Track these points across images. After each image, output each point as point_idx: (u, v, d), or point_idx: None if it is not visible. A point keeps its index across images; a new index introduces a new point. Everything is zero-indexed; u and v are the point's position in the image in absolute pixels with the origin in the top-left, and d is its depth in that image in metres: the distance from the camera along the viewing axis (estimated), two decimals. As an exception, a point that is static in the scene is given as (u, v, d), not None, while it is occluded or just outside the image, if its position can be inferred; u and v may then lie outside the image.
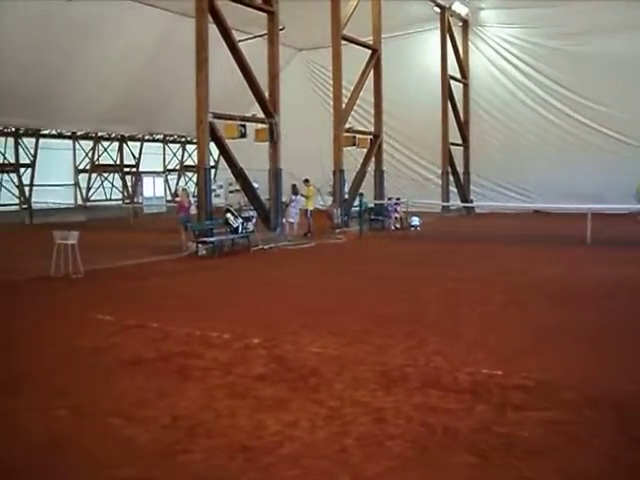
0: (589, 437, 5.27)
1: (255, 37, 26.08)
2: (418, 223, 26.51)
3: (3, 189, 33.52)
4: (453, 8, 34.49)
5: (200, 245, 18.65)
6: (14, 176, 33.91)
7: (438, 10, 33.94)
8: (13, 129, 33.13)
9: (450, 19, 34.86)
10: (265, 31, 23.63)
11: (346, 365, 7.32)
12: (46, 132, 34.98)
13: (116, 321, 9.72)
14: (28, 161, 34.11)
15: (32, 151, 34.14)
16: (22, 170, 34.01)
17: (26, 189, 34.14)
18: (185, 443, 5.26)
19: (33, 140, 34.22)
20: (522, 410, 5.87)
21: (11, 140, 33.54)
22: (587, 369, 7.14)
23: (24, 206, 33.98)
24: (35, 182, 34.20)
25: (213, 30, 20.15)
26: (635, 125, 31.77)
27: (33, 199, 33.92)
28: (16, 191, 34.05)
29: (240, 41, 22.03)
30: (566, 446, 5.12)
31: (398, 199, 28.15)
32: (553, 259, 16.94)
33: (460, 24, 36.60)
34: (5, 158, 33.27)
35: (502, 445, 5.13)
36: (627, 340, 8.45)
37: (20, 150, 33.84)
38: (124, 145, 39.95)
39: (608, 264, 15.88)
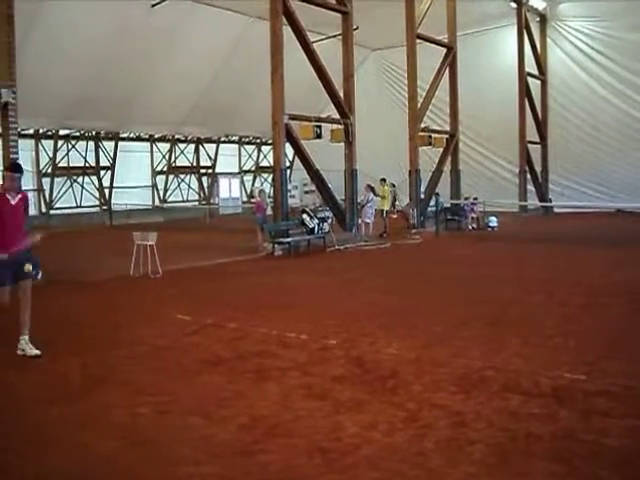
0: (679, 446, 5.08)
1: (329, 37, 26.20)
2: (496, 224, 26.15)
3: (85, 191, 34.47)
4: (530, 3, 33.79)
5: (276, 245, 18.79)
6: (95, 179, 34.86)
7: (514, 5, 33.28)
8: (94, 133, 34.06)
9: (527, 14, 34.16)
10: (339, 31, 23.67)
11: (424, 367, 7.25)
12: (125, 135, 35.82)
13: (194, 321, 9.86)
14: (108, 164, 35.02)
15: (112, 154, 35.03)
16: (102, 173, 34.94)
17: (106, 191, 35.05)
18: (264, 443, 5.29)
19: (112, 143, 35.10)
20: (608, 417, 5.69)
21: (92, 144, 34.50)
22: (676, 375, 6.89)
23: (104, 208, 34.87)
24: (115, 184, 35.10)
25: (287, 32, 20.28)
26: None
27: (113, 201, 34.79)
28: (97, 193, 34.99)
29: (314, 42, 22.12)
30: (655, 455, 4.94)
31: (475, 199, 27.82)
32: (635, 261, 16.41)
33: (537, 19, 35.82)
34: (86, 161, 34.22)
35: (587, 453, 4.97)
36: None
37: (100, 153, 34.77)
38: (200, 147, 40.57)
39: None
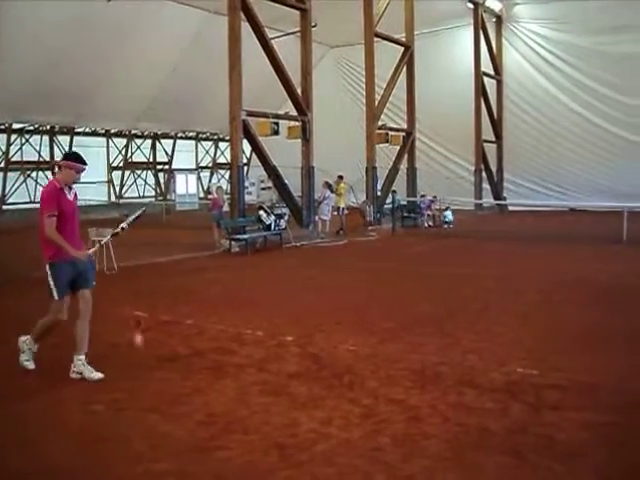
0: (626, 439, 5.20)
1: (287, 34, 26.15)
2: (452, 218, 26.44)
3: (39, 187, 33.93)
4: (487, 4, 34.19)
5: (233, 242, 18.74)
6: (49, 174, 34.31)
7: (471, 6, 33.63)
8: (48, 127, 33.58)
9: (484, 15, 34.56)
10: (297, 28, 23.67)
11: (380, 363, 7.30)
12: (80, 130, 35.37)
13: (151, 317, 9.79)
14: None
15: (67, 149, 34.51)
16: (56, 168, 34.39)
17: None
18: (220, 439, 5.29)
19: (68, 138, 34.62)
20: (558, 410, 5.81)
21: (47, 138, 34.00)
22: (624, 370, 7.03)
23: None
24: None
25: (246, 28, 20.21)
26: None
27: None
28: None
29: (272, 38, 22.08)
30: (604, 449, 5.04)
31: (434, 197, 28.08)
32: (588, 258, 16.73)
33: (494, 20, 36.27)
34: (40, 156, 33.70)
35: (538, 446, 5.08)
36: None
37: (55, 148, 34.25)
38: (157, 142, 40.25)
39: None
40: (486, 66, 35.12)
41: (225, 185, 35.06)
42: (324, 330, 8.90)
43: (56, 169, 7.30)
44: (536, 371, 6.92)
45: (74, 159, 7.24)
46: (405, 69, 29.19)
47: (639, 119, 32.41)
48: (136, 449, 5.16)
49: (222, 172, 43.86)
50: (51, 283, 6.84)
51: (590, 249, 18.56)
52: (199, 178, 43.66)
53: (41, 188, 7.38)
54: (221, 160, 43.86)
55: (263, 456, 4.98)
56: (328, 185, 23.22)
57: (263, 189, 37.90)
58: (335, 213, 23.82)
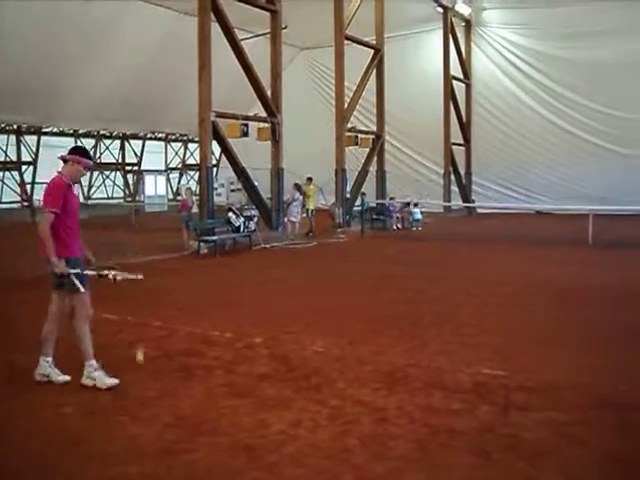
0: (592, 438, 5.27)
1: (257, 36, 26.16)
2: (420, 217, 26.62)
3: (5, 187, 33.54)
4: (456, 8, 34.49)
5: (202, 244, 18.66)
6: (16, 174, 33.94)
7: (441, 10, 33.93)
8: (15, 126, 33.14)
9: (453, 19, 34.86)
10: (268, 30, 23.66)
11: (348, 364, 7.33)
12: (48, 130, 34.96)
13: (119, 319, 9.72)
14: (30, 159, 34.10)
15: (34, 149, 34.15)
16: (24, 168, 34.03)
17: (28, 187, 34.13)
18: (188, 441, 5.26)
19: (35, 138, 34.22)
20: (525, 411, 5.87)
21: (13, 137, 33.57)
22: (590, 370, 7.13)
23: (25, 204, 33.96)
24: (37, 180, 34.19)
25: (216, 29, 20.16)
26: (635, 125, 31.81)
27: (35, 197, 33.89)
28: (18, 189, 34.04)
29: (242, 40, 22.06)
30: (569, 447, 5.11)
31: (392, 198, 28.28)
32: (554, 260, 16.92)
33: (463, 24, 36.61)
34: (7, 155, 33.27)
35: (505, 446, 5.13)
36: (629, 341, 8.44)
37: (22, 147, 33.84)
38: (126, 143, 39.96)
39: (609, 266, 15.90)
40: (455, 70, 35.45)
41: (194, 186, 34.91)
42: (293, 332, 8.91)
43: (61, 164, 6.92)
44: (503, 372, 6.98)
45: (82, 154, 6.93)
46: (375, 72, 29.30)
47: (604, 124, 32.92)
48: (106, 452, 5.12)
49: (191, 173, 43.67)
50: (73, 278, 6.56)
51: (556, 251, 18.80)
52: (168, 179, 43.43)
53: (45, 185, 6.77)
54: (190, 161, 43.66)
55: (231, 458, 4.97)
56: (297, 187, 23.22)
57: (233, 191, 37.73)
58: (304, 215, 23.83)
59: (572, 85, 33.59)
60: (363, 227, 24.97)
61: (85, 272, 6.70)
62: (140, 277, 6.79)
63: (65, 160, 6.84)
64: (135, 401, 6.22)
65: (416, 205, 27.35)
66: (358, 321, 9.61)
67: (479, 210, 34.88)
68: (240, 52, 21.37)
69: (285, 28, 24.48)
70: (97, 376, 6.61)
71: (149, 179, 41.78)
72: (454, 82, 35.23)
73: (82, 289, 6.61)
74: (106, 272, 6.76)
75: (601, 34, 31.65)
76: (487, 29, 36.66)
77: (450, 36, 34.66)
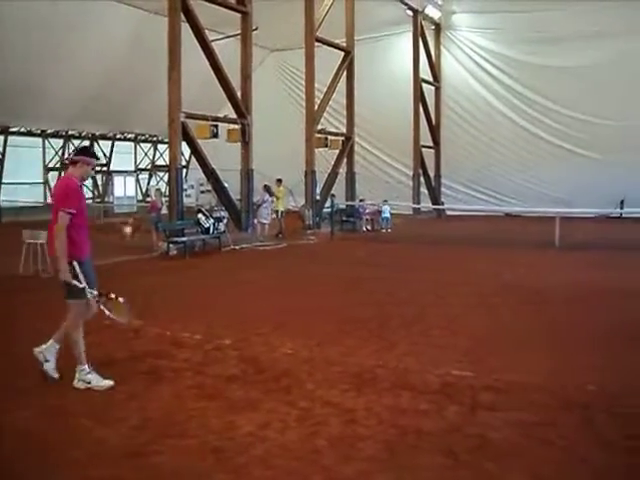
0: (558, 438, 5.33)
1: (228, 37, 26.05)
2: (389, 215, 26.73)
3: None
4: (426, 11, 34.69)
5: (171, 245, 18.56)
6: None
7: (411, 13, 34.12)
8: (-19, 126, 32.73)
9: (423, 22, 35.06)
10: (238, 31, 23.60)
11: (317, 366, 7.34)
12: (15, 129, 34.52)
13: (88, 320, 9.60)
14: (-4, 158, 33.70)
15: (0, 149, 33.70)
16: (70, 164, 33.51)
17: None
18: (156, 444, 5.23)
19: (1, 137, 33.77)
20: (492, 411, 5.93)
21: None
22: (556, 370, 7.22)
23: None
24: (3, 180, 33.76)
25: (186, 29, 20.07)
26: (603, 129, 32.28)
27: (1, 197, 33.45)
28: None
29: (213, 41, 21.99)
30: (536, 447, 5.18)
31: (361, 200, 28.39)
32: (522, 262, 17.09)
33: (433, 27, 36.86)
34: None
35: (473, 446, 5.17)
36: (596, 342, 8.54)
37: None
38: (95, 144, 39.59)
39: (576, 267, 16.13)
40: (425, 73, 35.65)
41: (164, 188, 34.70)
42: (262, 333, 8.89)
43: (70, 166, 6.93)
44: (471, 373, 7.04)
45: (91, 155, 7.02)
46: (345, 74, 29.35)
47: (572, 128, 33.35)
48: (72, 455, 5.07)
49: (161, 174, 43.38)
50: (82, 282, 6.59)
51: (524, 253, 19.00)
52: (138, 180, 43.11)
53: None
54: (160, 162, 43.38)
55: (199, 460, 4.95)
56: (267, 188, 23.18)
57: (202, 192, 37.55)
58: (274, 216, 23.80)
59: (540, 89, 33.99)
60: (333, 229, 25.00)
61: (68, 278, 6.59)
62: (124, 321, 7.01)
63: (75, 162, 6.85)
64: (102, 404, 6.17)
65: (385, 202, 27.44)
66: (327, 323, 9.63)
67: (448, 212, 35.09)
68: (210, 53, 21.29)
69: (256, 29, 24.46)
70: (92, 379, 6.63)
71: (118, 180, 41.44)
72: (424, 85, 35.44)
73: (89, 295, 6.68)
74: (112, 296, 6.88)
75: (569, 39, 32.07)
76: (457, 33, 36.96)
77: (420, 39, 34.84)
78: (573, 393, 6.43)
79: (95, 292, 6.75)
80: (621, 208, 30.27)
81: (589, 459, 4.98)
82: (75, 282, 6.55)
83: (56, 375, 6.75)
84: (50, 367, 6.72)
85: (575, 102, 32.73)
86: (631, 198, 29.48)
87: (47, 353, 6.76)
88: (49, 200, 36.43)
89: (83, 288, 6.61)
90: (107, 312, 6.83)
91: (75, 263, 6.57)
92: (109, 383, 6.63)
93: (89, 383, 6.61)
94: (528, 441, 5.28)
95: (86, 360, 6.73)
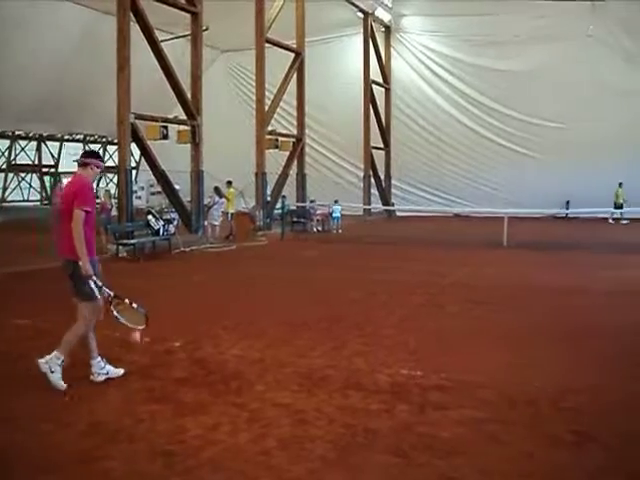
0: (505, 435, 5.42)
1: (178, 37, 25.89)
2: (339, 215, 26.83)
3: None
4: (376, 14, 34.93)
5: (120, 247, 18.35)
6: None
7: (361, 15, 34.31)
8: None
9: (373, 25, 35.28)
10: (188, 31, 23.45)
11: (267, 367, 7.33)
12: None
13: (33, 325, 9.48)
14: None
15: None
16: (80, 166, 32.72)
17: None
18: (104, 449, 5.16)
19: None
20: (441, 410, 5.99)
21: None
22: (503, 368, 7.35)
23: None
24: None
25: (136, 29, 19.87)
26: (548, 131, 32.96)
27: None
28: None
29: (163, 41, 21.81)
30: (484, 444, 5.25)
31: (312, 201, 28.45)
32: (471, 261, 17.33)
33: (383, 30, 37.12)
34: None
35: (422, 444, 5.22)
36: (542, 340, 8.70)
37: None
38: (42, 145, 38.95)
39: (523, 266, 16.44)
40: (375, 75, 35.85)
41: (114, 189, 34.29)
42: (212, 335, 8.85)
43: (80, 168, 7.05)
44: (420, 372, 7.11)
45: (99, 157, 7.28)
46: (295, 75, 29.37)
47: (518, 130, 33.99)
48: (20, 461, 4.99)
49: (110, 176, 42.89)
50: (91, 283, 6.60)
51: (473, 253, 19.27)
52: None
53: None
54: (110, 163, 42.85)
55: (149, 464, 4.91)
56: (217, 190, 23.04)
57: (153, 194, 37.26)
58: (222, 219, 23.65)
59: (487, 91, 34.61)
60: (284, 230, 25.01)
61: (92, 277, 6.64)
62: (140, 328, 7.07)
63: (86, 164, 7.00)
64: (48, 409, 6.06)
65: (336, 202, 27.52)
66: (277, 324, 9.62)
67: (398, 213, 35.39)
68: (160, 53, 21.11)
69: (206, 30, 24.31)
70: (109, 369, 6.94)
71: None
72: (374, 87, 35.67)
73: (99, 296, 6.69)
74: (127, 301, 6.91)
75: (514, 43, 32.81)
76: (406, 35, 37.31)
77: (370, 41, 35.08)
78: (520, 390, 6.54)
79: (112, 293, 6.80)
80: (567, 208, 30.91)
81: (535, 454, 5.08)
82: (94, 279, 6.59)
83: (63, 385, 6.62)
84: (56, 378, 6.61)
85: (521, 104, 33.46)
86: (576, 198, 30.14)
87: (52, 364, 6.69)
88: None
89: (100, 287, 6.66)
90: (117, 315, 6.89)
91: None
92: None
93: (107, 373, 6.89)
94: (476, 438, 5.36)
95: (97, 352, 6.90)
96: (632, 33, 31.48)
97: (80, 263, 6.50)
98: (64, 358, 6.70)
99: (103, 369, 6.90)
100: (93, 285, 6.60)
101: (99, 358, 6.93)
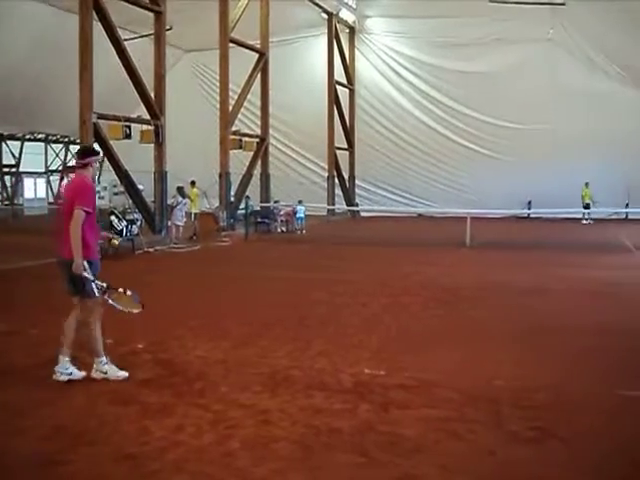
0: (467, 433, 5.50)
1: (141, 37, 25.74)
2: (303, 215, 26.87)
3: None
4: (340, 15, 35.05)
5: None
6: None
7: (326, 16, 34.39)
8: None
9: (337, 25, 35.38)
10: (152, 31, 23.31)
11: (232, 368, 7.34)
12: None
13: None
14: None
15: None
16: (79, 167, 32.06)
17: None
18: (67, 453, 5.12)
19: None
20: (404, 408, 6.06)
21: None
22: (465, 367, 7.46)
23: None
24: None
25: (99, 28, 19.70)
26: (510, 133, 33.39)
27: None
28: None
29: (126, 40, 21.68)
30: (446, 442, 5.32)
31: (276, 201, 28.46)
32: (434, 261, 17.49)
33: (347, 31, 37.23)
34: None
35: (385, 443, 5.27)
36: (501, 338, 8.84)
37: None
38: (3, 144, 38.39)
39: (485, 265, 16.65)
40: (340, 75, 35.94)
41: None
42: (176, 337, 8.83)
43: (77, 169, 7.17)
44: (383, 371, 7.18)
45: (96, 153, 7.39)
46: (260, 76, 29.33)
47: (481, 131, 34.38)
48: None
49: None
50: (92, 284, 6.75)
51: (436, 253, 19.46)
52: (49, 182, 42.01)
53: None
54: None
55: (113, 467, 4.88)
56: (180, 190, 22.91)
57: (116, 194, 36.89)
58: (185, 219, 23.52)
59: (451, 93, 34.98)
60: (247, 230, 24.98)
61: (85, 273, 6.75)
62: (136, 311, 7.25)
63: (85, 165, 7.03)
64: (9, 413, 5.99)
65: (300, 202, 27.56)
66: (241, 324, 9.63)
67: (362, 213, 35.54)
68: (123, 52, 20.97)
69: (170, 29, 24.20)
70: (108, 369, 6.96)
71: (28, 181, 40.32)
72: (338, 87, 35.76)
73: (98, 294, 6.84)
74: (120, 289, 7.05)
75: (477, 45, 33.18)
76: (370, 36, 37.49)
77: (335, 42, 35.19)
78: (481, 388, 6.64)
79: (104, 284, 6.90)
80: (529, 209, 31.33)
81: (496, 451, 5.16)
82: (86, 274, 6.70)
83: (82, 373, 6.96)
84: (76, 373, 6.94)
85: (483, 106, 33.88)
86: (538, 199, 30.57)
87: (62, 369, 6.86)
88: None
89: (92, 281, 6.76)
90: (113, 303, 7.01)
91: (85, 262, 6.71)
92: (124, 374, 6.94)
93: (105, 373, 6.95)
94: (438, 436, 5.43)
95: (104, 352, 7.04)
96: (591, 36, 32.03)
97: (79, 261, 6.62)
98: (104, 357, 7.01)
99: (104, 367, 7.00)
100: (94, 285, 6.77)
101: (103, 357, 7.06)
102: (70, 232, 6.58)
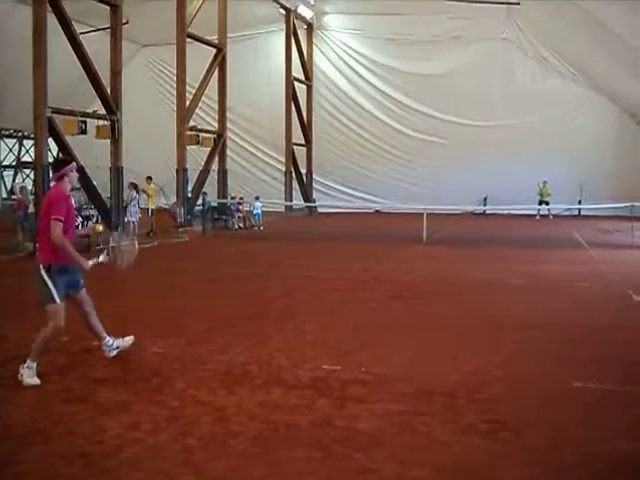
0: (423, 426, 5.56)
1: (97, 30, 25.41)
2: (260, 212, 26.84)
3: None
4: (298, 11, 35.03)
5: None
6: None
7: (283, 12, 34.34)
8: None
9: (295, 21, 35.37)
10: (108, 24, 23.00)
11: (188, 365, 7.31)
12: None
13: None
14: None
15: None
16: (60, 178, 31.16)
17: None
18: (18, 453, 5.03)
19: None
20: (361, 403, 6.09)
21: None
22: (421, 362, 7.54)
23: None
24: None
25: (53, 20, 19.37)
26: (466, 130, 33.81)
27: None
28: None
29: (81, 34, 21.35)
30: (402, 436, 5.37)
31: (241, 198, 28.36)
32: (391, 256, 17.61)
33: (305, 27, 37.23)
34: None
35: (342, 438, 5.30)
36: (457, 333, 8.94)
37: None
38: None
39: (442, 261, 16.79)
40: (298, 71, 35.92)
41: (30, 185, 33.36)
42: (131, 333, 8.71)
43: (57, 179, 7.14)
44: (340, 367, 7.22)
45: (68, 161, 7.31)
46: (217, 71, 29.17)
47: (438, 129, 34.74)
48: None
49: (27, 172, 41.72)
50: (51, 287, 6.74)
51: (392, 249, 19.58)
52: (2, 177, 41.29)
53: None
54: (26, 159, 41.71)
55: (66, 466, 4.81)
56: (134, 186, 22.67)
57: (71, 190, 36.43)
58: (140, 216, 23.29)
59: (407, 90, 35.25)
60: (205, 227, 24.86)
61: (90, 262, 7.09)
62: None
63: (61, 176, 7.07)
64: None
65: (257, 199, 27.51)
66: (198, 321, 9.60)
67: (320, 209, 35.59)
68: (78, 46, 20.63)
69: (126, 23, 23.92)
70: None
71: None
72: (296, 83, 35.75)
73: (58, 301, 6.78)
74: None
75: (434, 43, 33.64)
76: (328, 33, 37.59)
77: (292, 38, 35.14)
78: (437, 382, 6.71)
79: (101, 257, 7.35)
80: (484, 205, 31.73)
81: (451, 443, 5.23)
82: (53, 285, 6.77)
83: (36, 381, 6.70)
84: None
85: (439, 103, 34.31)
86: (494, 195, 30.97)
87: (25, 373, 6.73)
88: None
89: (54, 287, 6.77)
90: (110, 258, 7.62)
91: (43, 268, 6.81)
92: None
93: (117, 348, 7.48)
94: (394, 430, 5.47)
95: (104, 331, 7.44)
96: (545, 36, 32.57)
97: (84, 265, 6.96)
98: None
99: (112, 345, 7.44)
100: (53, 289, 6.73)
101: (107, 337, 7.43)
102: (57, 245, 6.71)
